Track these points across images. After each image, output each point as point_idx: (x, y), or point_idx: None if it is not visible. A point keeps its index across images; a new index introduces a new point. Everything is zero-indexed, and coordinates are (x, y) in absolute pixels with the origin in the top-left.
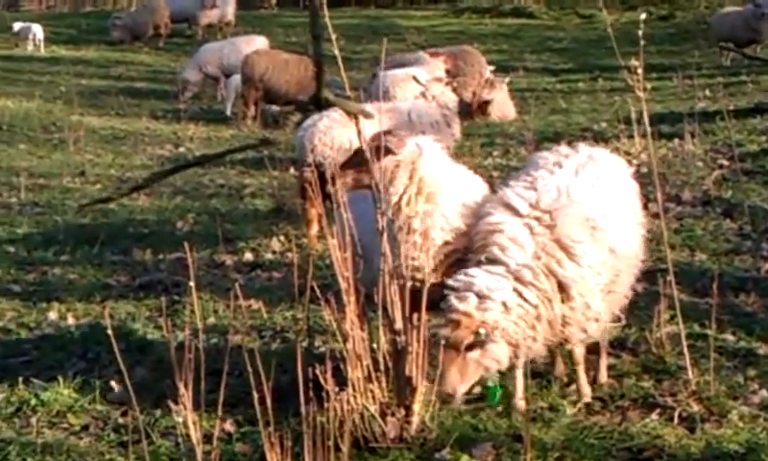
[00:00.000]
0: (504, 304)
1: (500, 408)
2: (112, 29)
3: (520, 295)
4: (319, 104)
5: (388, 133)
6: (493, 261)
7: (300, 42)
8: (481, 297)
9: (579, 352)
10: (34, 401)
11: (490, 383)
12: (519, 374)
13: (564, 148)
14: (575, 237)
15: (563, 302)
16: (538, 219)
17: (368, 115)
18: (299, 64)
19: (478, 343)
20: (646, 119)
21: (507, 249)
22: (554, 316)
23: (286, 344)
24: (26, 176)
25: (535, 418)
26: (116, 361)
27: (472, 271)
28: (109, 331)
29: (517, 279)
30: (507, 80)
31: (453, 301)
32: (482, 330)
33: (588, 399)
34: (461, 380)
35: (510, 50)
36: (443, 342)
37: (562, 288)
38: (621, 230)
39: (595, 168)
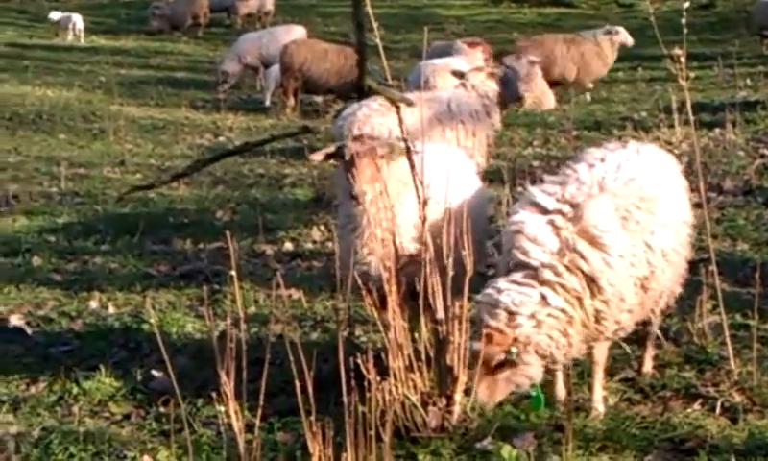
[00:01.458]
0: (533, 317)
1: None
2: (151, 18)
3: (547, 302)
4: (361, 92)
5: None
6: (518, 265)
7: (340, 32)
8: (510, 313)
9: (601, 352)
10: (75, 390)
11: (532, 392)
12: (559, 366)
13: (612, 143)
14: (602, 226)
15: (593, 297)
16: (562, 213)
17: (410, 104)
18: (338, 54)
19: (509, 362)
20: (689, 108)
21: (529, 251)
22: (586, 315)
23: (327, 333)
24: (66, 165)
25: (576, 408)
26: (157, 350)
27: (501, 283)
28: (152, 320)
29: (543, 282)
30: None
31: (485, 316)
32: (514, 349)
33: (599, 413)
34: (490, 396)
35: None
36: (474, 355)
37: (590, 282)
38: (661, 225)
39: (639, 163)
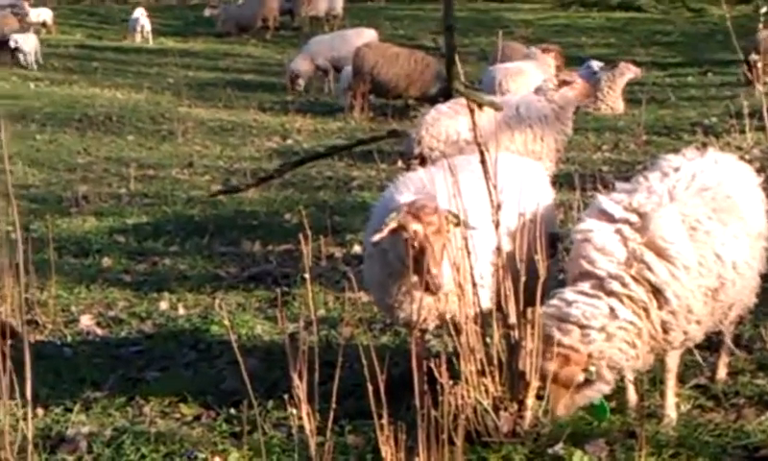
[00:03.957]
0: (604, 330)
1: (613, 404)
2: (215, 17)
3: (616, 315)
4: (449, 95)
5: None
6: (584, 275)
7: (407, 35)
8: (582, 327)
9: (674, 360)
10: (146, 391)
11: (596, 401)
12: (629, 375)
13: (690, 152)
14: (668, 237)
15: (660, 308)
16: (629, 223)
17: (497, 107)
18: (408, 58)
19: (588, 381)
20: (765, 113)
21: (595, 260)
22: (653, 326)
23: (396, 337)
24: (135, 167)
25: (648, 414)
26: (227, 352)
27: (568, 294)
28: (225, 322)
29: (609, 293)
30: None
31: (557, 333)
32: (592, 368)
33: (671, 419)
34: (567, 411)
35: (618, 44)
36: (550, 376)
37: (657, 293)
38: (733, 237)
39: (715, 173)
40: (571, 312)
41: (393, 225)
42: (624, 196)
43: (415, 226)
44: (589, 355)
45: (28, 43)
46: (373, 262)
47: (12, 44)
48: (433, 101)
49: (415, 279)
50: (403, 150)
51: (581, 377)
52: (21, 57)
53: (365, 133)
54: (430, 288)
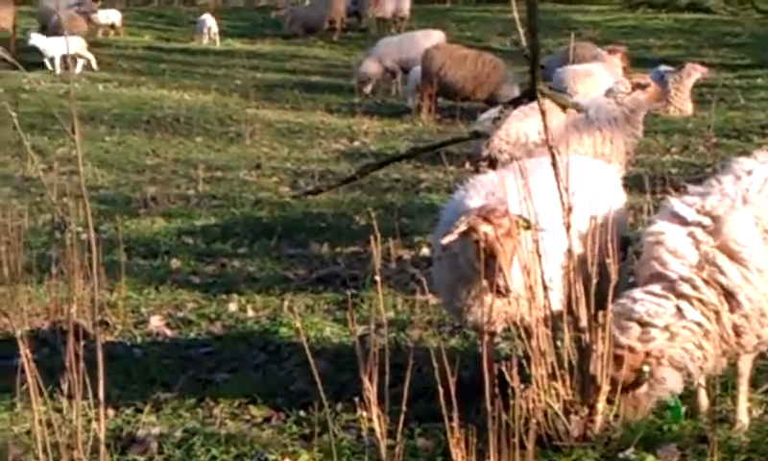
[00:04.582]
0: (667, 329)
1: (685, 409)
2: (281, 19)
3: (683, 315)
4: (533, 97)
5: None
6: (655, 277)
7: (474, 36)
8: (643, 324)
9: (746, 364)
10: (216, 393)
11: (671, 403)
12: (700, 380)
13: (763, 154)
14: (741, 241)
15: (732, 311)
16: (702, 225)
17: (580, 109)
18: (476, 60)
19: (642, 381)
20: None
21: (667, 263)
22: (724, 329)
23: (465, 340)
24: (203, 168)
25: (720, 419)
26: (296, 354)
27: (636, 293)
28: (298, 324)
29: (679, 295)
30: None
31: (615, 333)
32: (645, 368)
33: (743, 424)
34: (634, 414)
35: (686, 45)
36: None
37: (729, 296)
38: None
39: None
40: (635, 309)
41: (463, 228)
42: (697, 199)
43: (485, 228)
44: (647, 354)
45: (54, 46)
46: (443, 265)
47: (30, 42)
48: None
49: (485, 282)
50: (471, 152)
51: (632, 377)
52: (47, 61)
53: (432, 135)
54: (500, 291)
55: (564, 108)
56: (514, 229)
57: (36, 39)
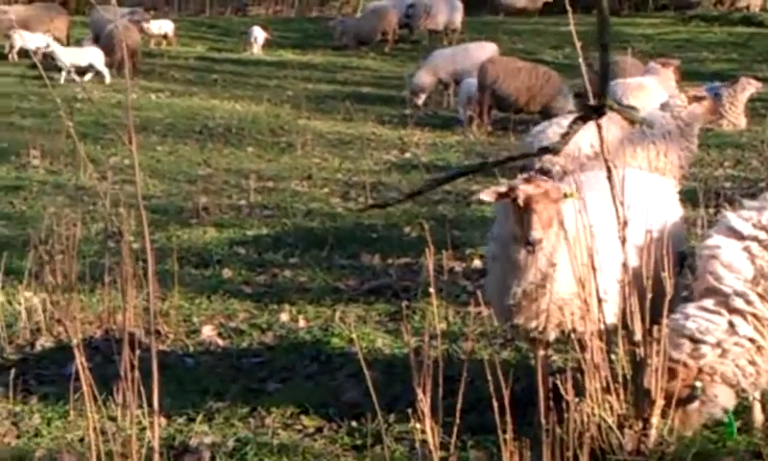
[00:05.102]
0: (719, 346)
1: (739, 424)
2: (334, 31)
3: (735, 331)
4: (602, 112)
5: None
6: (710, 291)
7: (526, 49)
8: (694, 341)
9: None
10: (268, 402)
11: (725, 418)
12: (755, 394)
13: None
14: None
15: None
16: (758, 240)
17: (649, 124)
18: (531, 72)
19: (694, 397)
20: None
21: (722, 277)
22: None
23: (518, 352)
24: (255, 178)
25: None
26: (347, 364)
27: (689, 309)
28: (353, 335)
29: (732, 310)
30: None
31: (668, 347)
32: (698, 384)
33: None
34: (685, 427)
35: (740, 59)
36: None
37: None
38: None
39: None
40: (687, 325)
41: (503, 189)
42: (753, 213)
43: (524, 187)
44: (699, 371)
45: (66, 55)
46: (494, 264)
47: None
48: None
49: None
50: (524, 164)
51: (685, 392)
52: (64, 72)
53: (483, 147)
54: (530, 244)
55: (632, 123)
56: (554, 192)
57: (54, 49)
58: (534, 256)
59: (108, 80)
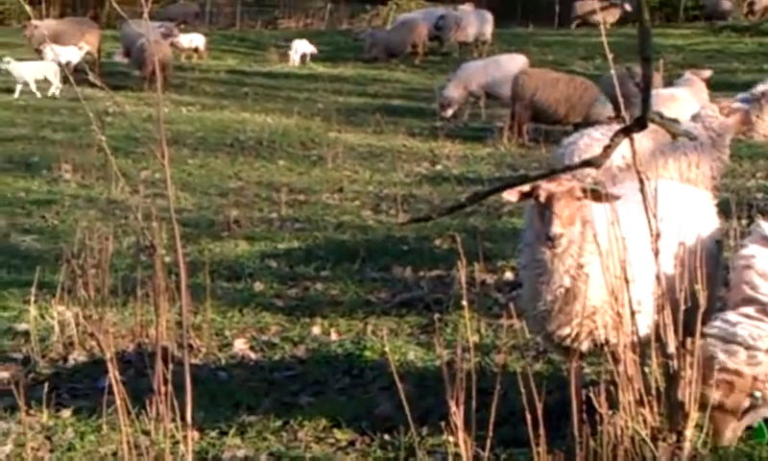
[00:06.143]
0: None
1: None
2: (364, 43)
3: None
4: (644, 124)
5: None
6: (746, 300)
7: (556, 61)
8: (749, 348)
9: None
10: (300, 416)
11: (755, 424)
12: None
13: None
14: None
15: None
16: None
17: (692, 137)
18: (568, 84)
19: (754, 406)
20: None
21: (758, 286)
22: None
23: (550, 365)
24: (286, 191)
25: None
26: (380, 377)
27: (731, 316)
28: (387, 348)
29: None
30: None
31: (722, 356)
32: (758, 393)
33: None
34: (734, 438)
35: None
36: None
37: None
38: None
39: None
40: (738, 332)
41: (526, 188)
42: None
43: (547, 185)
44: (755, 378)
45: (27, 71)
46: (525, 272)
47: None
48: (627, 131)
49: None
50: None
51: (746, 403)
52: (20, 85)
53: (514, 159)
54: (549, 239)
55: (674, 136)
56: (577, 191)
57: (11, 66)
58: (559, 257)
59: (53, 92)
